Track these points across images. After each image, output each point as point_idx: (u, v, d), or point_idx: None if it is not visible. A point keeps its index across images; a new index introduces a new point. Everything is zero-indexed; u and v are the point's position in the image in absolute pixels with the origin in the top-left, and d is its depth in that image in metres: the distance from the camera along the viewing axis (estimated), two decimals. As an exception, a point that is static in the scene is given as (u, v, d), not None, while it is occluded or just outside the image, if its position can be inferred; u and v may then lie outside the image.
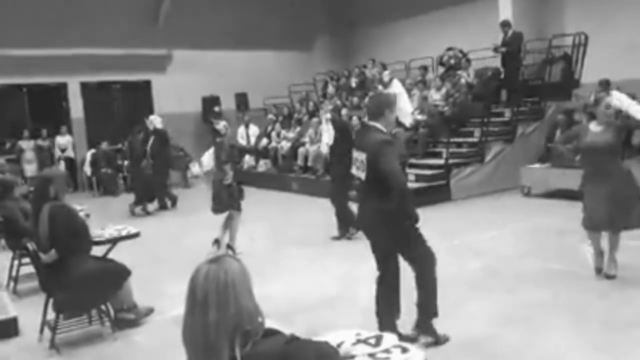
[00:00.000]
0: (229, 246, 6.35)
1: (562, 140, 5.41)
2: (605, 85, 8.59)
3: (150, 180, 9.53)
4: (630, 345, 3.53)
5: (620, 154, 4.85)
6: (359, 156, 3.57)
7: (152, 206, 9.75)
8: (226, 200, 6.27)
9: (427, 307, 3.63)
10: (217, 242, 6.33)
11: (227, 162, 6.31)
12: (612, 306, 4.18)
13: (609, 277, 4.73)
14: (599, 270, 4.84)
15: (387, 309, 3.64)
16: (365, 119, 4.50)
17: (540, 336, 3.73)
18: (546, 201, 8.41)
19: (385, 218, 3.43)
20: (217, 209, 6.33)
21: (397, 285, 3.67)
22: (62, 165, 12.64)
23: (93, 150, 12.77)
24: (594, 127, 4.72)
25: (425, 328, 3.66)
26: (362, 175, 3.55)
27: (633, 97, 8.34)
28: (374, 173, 3.44)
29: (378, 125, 3.56)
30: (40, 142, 12.90)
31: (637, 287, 4.54)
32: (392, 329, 3.42)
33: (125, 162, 12.13)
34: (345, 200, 6.78)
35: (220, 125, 6.55)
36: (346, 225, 6.77)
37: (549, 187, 8.65)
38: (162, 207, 9.76)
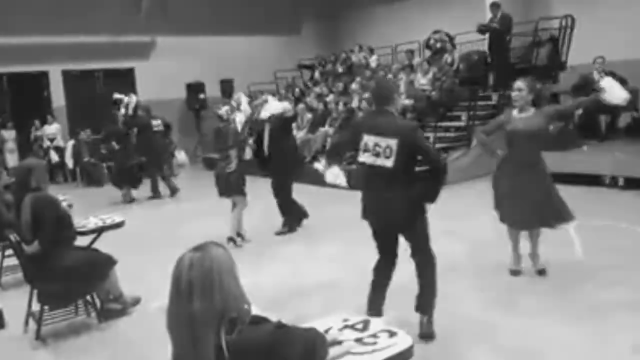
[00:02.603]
0: (237, 235, 6.25)
1: (486, 130, 4.65)
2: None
3: (124, 164, 9.41)
4: (614, 327, 3.56)
5: (543, 145, 4.48)
6: (382, 142, 3.33)
7: (136, 193, 9.62)
8: (234, 185, 6.12)
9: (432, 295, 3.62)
10: (239, 235, 6.26)
11: (233, 147, 6.13)
12: (597, 290, 4.20)
13: (541, 272, 4.55)
14: (517, 273, 4.58)
15: (379, 296, 3.62)
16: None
17: (523, 320, 3.75)
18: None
19: (410, 205, 3.40)
20: (224, 193, 6.20)
21: (391, 274, 3.66)
22: (52, 155, 12.45)
23: (72, 142, 12.46)
24: (516, 113, 4.36)
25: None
26: (388, 162, 3.32)
27: (622, 80, 8.45)
28: (405, 159, 3.32)
29: (392, 109, 3.46)
30: (33, 132, 12.70)
31: (619, 270, 4.59)
32: (379, 313, 3.46)
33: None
34: (290, 193, 6.63)
35: (222, 110, 6.32)
36: (296, 218, 6.67)
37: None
38: (155, 197, 9.63)
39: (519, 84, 4.33)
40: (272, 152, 6.65)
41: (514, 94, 4.37)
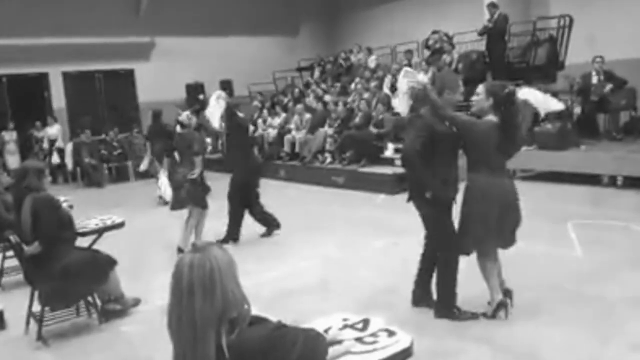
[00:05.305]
0: (179, 250, 5.49)
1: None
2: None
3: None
4: (613, 325, 3.57)
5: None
6: None
7: None
8: (184, 196, 5.82)
9: (440, 294, 3.79)
10: (180, 250, 5.47)
11: (199, 154, 5.98)
12: (595, 288, 4.21)
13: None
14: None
15: (421, 282, 3.92)
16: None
17: (523, 319, 3.76)
18: (530, 183, 8.46)
19: (414, 187, 3.77)
20: (174, 205, 5.97)
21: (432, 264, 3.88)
22: (54, 156, 12.44)
23: (72, 143, 12.38)
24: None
25: (441, 316, 3.77)
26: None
27: (621, 81, 8.45)
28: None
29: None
30: (35, 133, 12.72)
31: (617, 268, 4.60)
32: (425, 300, 3.86)
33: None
34: (238, 203, 6.33)
35: (183, 115, 6.18)
36: (269, 226, 6.47)
37: (534, 169, 8.71)
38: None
39: (479, 87, 3.91)
40: (230, 157, 6.48)
41: (472, 97, 3.98)
